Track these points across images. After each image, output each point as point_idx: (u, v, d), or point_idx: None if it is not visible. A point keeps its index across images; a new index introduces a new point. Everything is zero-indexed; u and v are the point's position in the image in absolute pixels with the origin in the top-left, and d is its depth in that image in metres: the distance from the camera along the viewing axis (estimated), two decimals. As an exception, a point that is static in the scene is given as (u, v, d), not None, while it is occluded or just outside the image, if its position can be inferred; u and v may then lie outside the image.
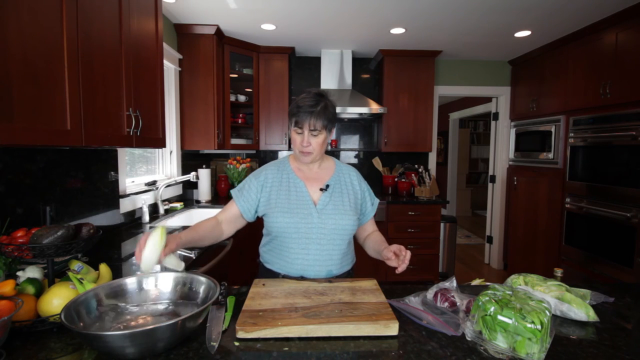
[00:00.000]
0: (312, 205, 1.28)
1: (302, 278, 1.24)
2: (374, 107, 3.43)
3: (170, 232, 2.08)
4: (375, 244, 1.32)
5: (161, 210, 2.55)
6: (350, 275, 1.37)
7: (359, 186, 1.38)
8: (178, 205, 2.79)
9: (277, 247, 1.31)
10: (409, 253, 1.14)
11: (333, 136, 4.07)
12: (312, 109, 1.21)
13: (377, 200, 1.45)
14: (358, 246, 1.45)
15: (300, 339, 0.87)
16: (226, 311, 1.00)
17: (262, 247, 1.40)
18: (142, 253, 0.97)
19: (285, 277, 1.27)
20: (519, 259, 3.81)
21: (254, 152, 4.00)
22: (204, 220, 1.29)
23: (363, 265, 3.45)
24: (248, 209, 1.31)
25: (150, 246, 0.97)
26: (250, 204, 1.31)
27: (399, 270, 1.12)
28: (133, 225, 2.24)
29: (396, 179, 3.91)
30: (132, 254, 1.63)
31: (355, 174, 1.41)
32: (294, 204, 1.28)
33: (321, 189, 1.31)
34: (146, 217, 2.32)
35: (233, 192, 1.36)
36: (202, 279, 0.99)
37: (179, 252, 1.07)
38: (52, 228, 0.98)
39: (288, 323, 0.88)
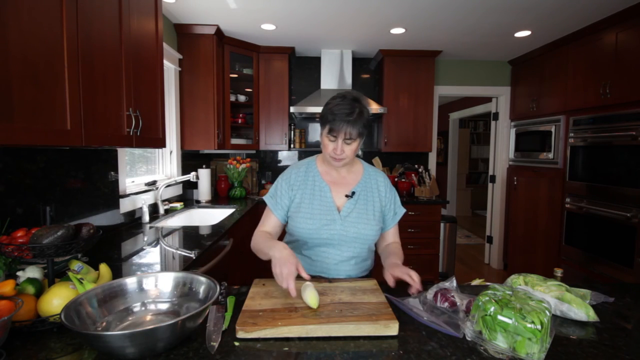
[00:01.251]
0: (336, 211, 1.27)
1: (320, 278, 1.24)
2: (374, 107, 3.43)
3: (171, 232, 2.09)
4: (388, 254, 1.29)
5: (161, 210, 2.55)
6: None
7: (385, 193, 1.34)
8: (178, 205, 2.79)
9: (297, 249, 1.32)
10: (414, 274, 1.09)
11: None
12: (348, 118, 1.16)
13: (402, 211, 1.38)
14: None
15: (300, 339, 0.87)
16: (226, 311, 1.00)
17: (286, 242, 1.40)
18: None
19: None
20: (519, 259, 3.80)
21: (254, 152, 4.00)
22: (261, 236, 1.26)
23: (363, 265, 3.45)
24: (285, 215, 1.32)
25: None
26: (285, 210, 1.32)
27: (412, 290, 1.08)
28: (133, 225, 2.24)
29: (396, 179, 3.90)
30: (132, 254, 1.63)
31: (384, 180, 1.36)
32: (317, 209, 1.27)
33: (346, 196, 1.29)
34: (146, 217, 2.32)
35: (267, 200, 1.33)
36: (202, 279, 0.99)
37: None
38: (52, 228, 0.98)
39: (288, 323, 0.88)
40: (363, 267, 1.33)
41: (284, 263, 1.02)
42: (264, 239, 1.22)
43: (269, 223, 1.32)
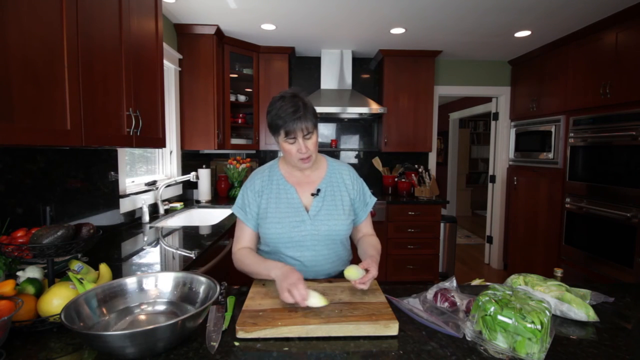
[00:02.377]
0: (304, 211, 1.24)
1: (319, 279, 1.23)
2: (374, 107, 3.43)
3: (171, 232, 2.09)
4: (367, 247, 1.28)
5: (161, 210, 2.55)
6: None
7: (352, 185, 1.32)
8: (178, 205, 2.79)
9: (273, 254, 1.29)
10: (370, 275, 1.07)
11: (333, 135, 4.08)
12: (298, 114, 1.13)
13: (372, 200, 1.37)
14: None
15: (300, 339, 0.87)
16: (226, 311, 1.00)
17: (260, 250, 1.37)
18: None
19: None
20: (519, 259, 3.81)
21: (254, 152, 4.00)
22: (247, 257, 1.23)
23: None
24: (257, 225, 1.30)
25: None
26: (257, 219, 1.29)
27: (358, 284, 1.05)
28: (133, 225, 2.24)
29: (396, 179, 3.90)
30: (132, 254, 1.63)
31: (349, 173, 1.34)
32: (284, 212, 1.24)
33: (312, 194, 1.27)
34: (146, 217, 2.32)
35: (237, 212, 1.30)
36: (202, 279, 0.99)
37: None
38: (52, 228, 0.98)
39: (288, 323, 0.88)
40: (342, 262, 1.32)
41: (288, 275, 1.02)
42: (254, 260, 1.19)
43: (245, 237, 1.29)
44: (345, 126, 4.10)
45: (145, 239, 1.93)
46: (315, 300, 0.96)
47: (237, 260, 1.26)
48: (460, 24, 2.94)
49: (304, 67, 3.99)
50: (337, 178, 1.32)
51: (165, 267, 1.50)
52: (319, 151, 1.34)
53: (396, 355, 0.81)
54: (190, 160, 3.31)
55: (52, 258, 1.00)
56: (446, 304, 1.04)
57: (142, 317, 0.93)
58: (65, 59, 1.14)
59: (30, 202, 1.41)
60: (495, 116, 4.32)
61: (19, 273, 1.02)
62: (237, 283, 1.32)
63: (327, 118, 3.92)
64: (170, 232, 2.10)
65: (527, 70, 3.77)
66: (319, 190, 1.28)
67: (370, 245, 1.28)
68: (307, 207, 1.26)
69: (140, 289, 0.99)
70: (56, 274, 1.12)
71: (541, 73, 3.53)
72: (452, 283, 1.11)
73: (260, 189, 1.29)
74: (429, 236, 3.53)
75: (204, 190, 3.24)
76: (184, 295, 0.99)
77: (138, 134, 1.62)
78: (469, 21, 2.87)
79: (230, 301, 1.06)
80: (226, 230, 2.17)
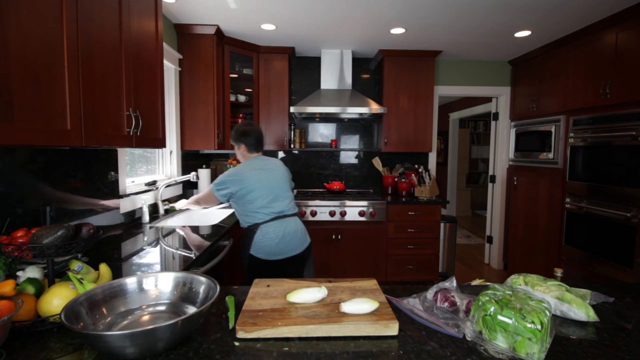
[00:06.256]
0: None
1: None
2: (374, 107, 3.43)
3: (170, 232, 2.09)
4: None
5: (161, 210, 2.55)
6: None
7: None
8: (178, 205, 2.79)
9: None
10: None
11: (333, 135, 4.07)
12: None
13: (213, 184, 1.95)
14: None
15: (300, 339, 0.87)
16: (229, 311, 1.00)
17: None
18: None
19: None
20: (519, 259, 3.80)
21: (254, 152, 3.99)
22: None
23: (363, 265, 3.45)
24: None
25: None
26: None
27: None
28: (133, 225, 2.24)
29: (396, 179, 3.90)
30: (132, 254, 1.63)
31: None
32: None
33: None
34: (146, 217, 2.32)
35: None
36: (202, 279, 0.99)
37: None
38: (52, 228, 0.98)
39: (288, 323, 0.88)
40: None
41: None
42: None
43: None
44: (345, 126, 4.09)
45: (145, 239, 1.93)
46: (303, 295, 1.01)
47: None
48: (460, 24, 2.94)
49: (304, 67, 3.99)
50: None
51: (165, 267, 1.50)
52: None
53: (396, 355, 0.81)
54: (190, 160, 3.31)
55: (52, 258, 1.00)
56: (446, 304, 1.04)
57: (142, 317, 0.93)
58: (65, 59, 1.14)
59: (30, 202, 1.41)
60: (495, 116, 4.32)
61: (19, 273, 1.02)
62: (237, 283, 1.32)
63: (327, 118, 3.92)
64: (170, 232, 2.10)
65: (527, 70, 3.77)
66: None
67: None
68: None
69: (140, 289, 0.99)
70: (56, 274, 1.12)
71: (541, 73, 3.53)
72: (452, 283, 1.11)
73: None
74: (429, 236, 3.53)
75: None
76: (184, 296, 0.99)
77: (138, 134, 1.62)
78: (469, 21, 2.87)
79: (230, 301, 1.06)
80: (226, 230, 2.17)
